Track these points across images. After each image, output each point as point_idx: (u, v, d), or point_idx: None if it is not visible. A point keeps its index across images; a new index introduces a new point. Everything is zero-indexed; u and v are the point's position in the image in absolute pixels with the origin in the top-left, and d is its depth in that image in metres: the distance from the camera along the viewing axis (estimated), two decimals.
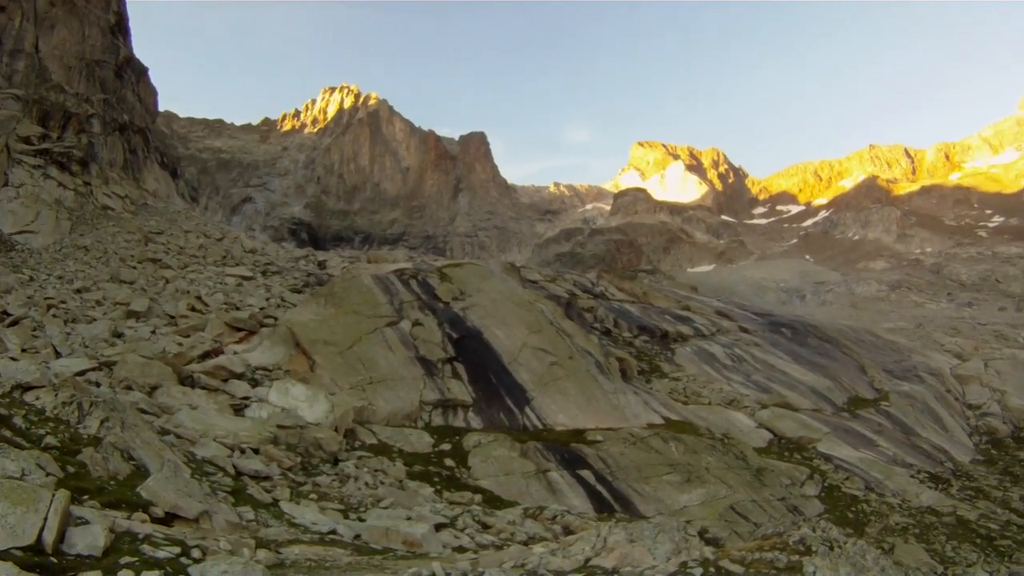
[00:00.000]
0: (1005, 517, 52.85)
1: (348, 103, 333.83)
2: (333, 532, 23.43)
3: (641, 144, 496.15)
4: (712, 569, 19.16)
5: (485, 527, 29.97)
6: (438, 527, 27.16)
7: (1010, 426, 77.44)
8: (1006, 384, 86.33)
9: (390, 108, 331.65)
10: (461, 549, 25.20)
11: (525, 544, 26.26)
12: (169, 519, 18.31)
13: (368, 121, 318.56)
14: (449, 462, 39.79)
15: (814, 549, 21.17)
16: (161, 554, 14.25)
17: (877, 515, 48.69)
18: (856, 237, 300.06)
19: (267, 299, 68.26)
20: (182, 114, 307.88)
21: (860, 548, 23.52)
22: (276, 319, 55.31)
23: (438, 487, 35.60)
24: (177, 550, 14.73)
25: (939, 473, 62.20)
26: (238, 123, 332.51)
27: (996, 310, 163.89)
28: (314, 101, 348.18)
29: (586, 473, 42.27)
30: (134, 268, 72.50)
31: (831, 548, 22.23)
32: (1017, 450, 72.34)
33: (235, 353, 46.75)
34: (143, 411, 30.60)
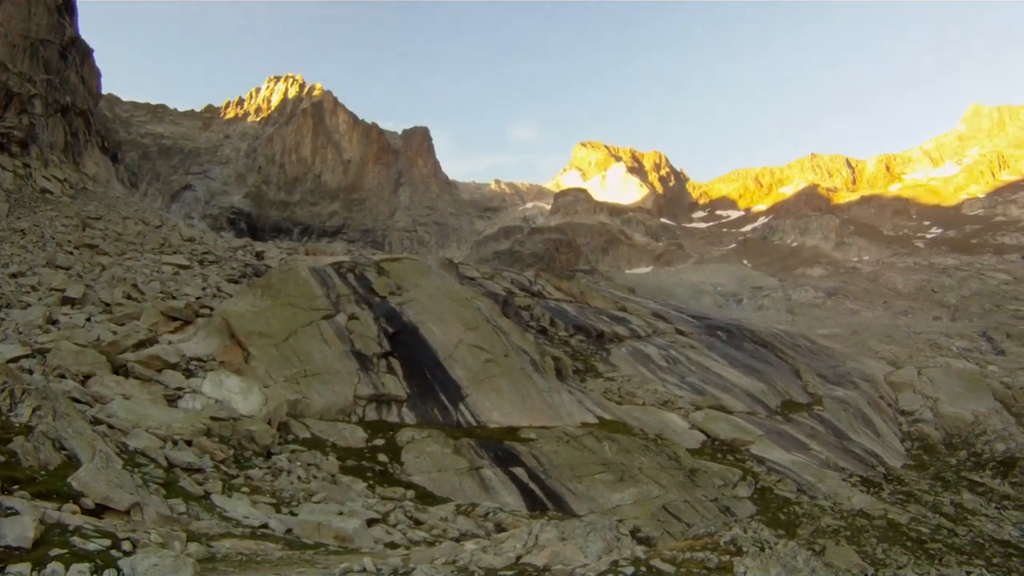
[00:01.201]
0: (936, 521, 53.61)
1: (292, 93, 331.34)
2: (265, 526, 23.34)
3: (584, 144, 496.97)
4: (643, 568, 19.31)
5: (417, 523, 29.96)
6: (370, 522, 27.13)
7: (942, 433, 78.46)
8: (939, 392, 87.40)
9: (334, 99, 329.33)
10: (393, 545, 25.19)
11: (457, 541, 26.28)
12: (100, 511, 18.18)
13: (312, 112, 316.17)
14: (382, 457, 39.67)
15: (745, 550, 21.37)
16: (91, 546, 14.17)
17: (809, 517, 49.19)
18: (794, 244, 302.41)
19: (204, 289, 67.75)
20: (125, 97, 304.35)
21: (791, 549, 23.75)
22: (212, 309, 54.76)
23: (371, 482, 35.50)
24: (108, 542, 14.64)
25: (871, 477, 62.96)
26: (181, 109, 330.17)
27: (931, 319, 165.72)
28: (258, 90, 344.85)
29: (519, 471, 42.32)
30: (71, 254, 71.71)
31: (762, 549, 22.42)
32: (948, 456, 73.35)
33: (170, 343, 46.34)
34: (76, 400, 30.33)
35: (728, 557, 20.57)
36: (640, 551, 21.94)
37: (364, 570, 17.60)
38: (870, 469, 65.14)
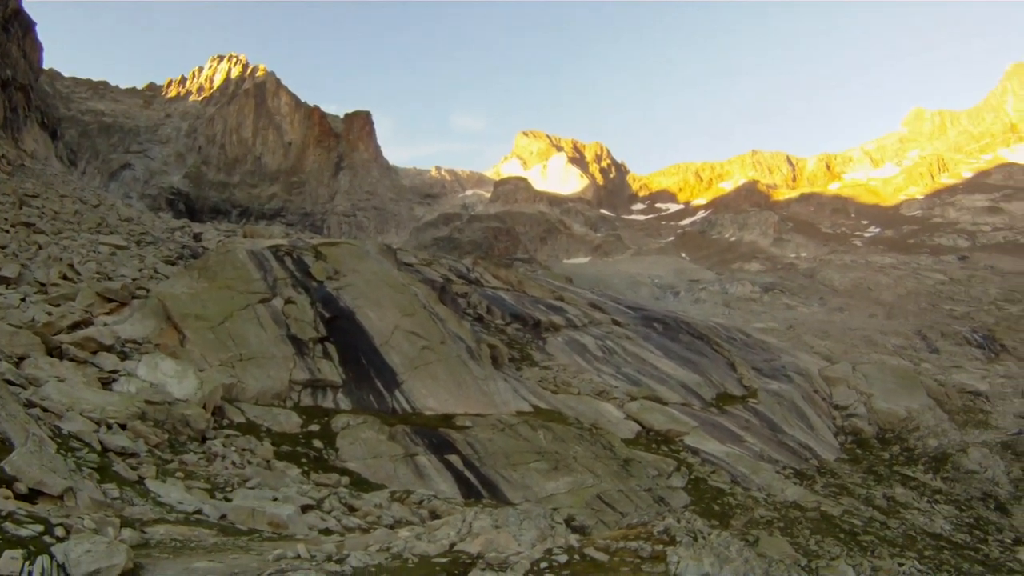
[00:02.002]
0: (868, 514, 54.33)
1: (235, 73, 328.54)
2: (199, 512, 23.24)
3: (526, 134, 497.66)
4: (577, 557, 19.49)
5: (352, 510, 29.95)
6: (304, 509, 27.10)
7: (875, 427, 79.36)
8: (873, 388, 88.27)
9: (277, 81, 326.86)
10: (327, 531, 25.18)
11: (391, 528, 26.34)
12: (33, 495, 18.04)
13: (254, 92, 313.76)
14: (317, 443, 39.53)
15: (678, 539, 21.57)
16: (24, 532, 14.07)
17: (742, 508, 49.63)
18: (733, 238, 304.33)
19: (140, 270, 67.15)
20: (66, 73, 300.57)
21: (724, 539, 23.98)
22: (148, 291, 54.25)
23: (305, 468, 35.35)
24: (40, 528, 14.54)
25: (804, 470, 63.62)
26: (123, 86, 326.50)
27: (867, 316, 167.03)
28: (201, 69, 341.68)
29: (454, 458, 42.40)
30: (7, 232, 70.72)
31: (695, 539, 22.64)
32: (881, 450, 74.23)
33: (105, 324, 45.86)
34: (9, 382, 29.96)
35: (661, 547, 20.74)
36: (574, 540, 22.06)
37: (298, 556, 17.64)
38: (804, 462, 65.78)
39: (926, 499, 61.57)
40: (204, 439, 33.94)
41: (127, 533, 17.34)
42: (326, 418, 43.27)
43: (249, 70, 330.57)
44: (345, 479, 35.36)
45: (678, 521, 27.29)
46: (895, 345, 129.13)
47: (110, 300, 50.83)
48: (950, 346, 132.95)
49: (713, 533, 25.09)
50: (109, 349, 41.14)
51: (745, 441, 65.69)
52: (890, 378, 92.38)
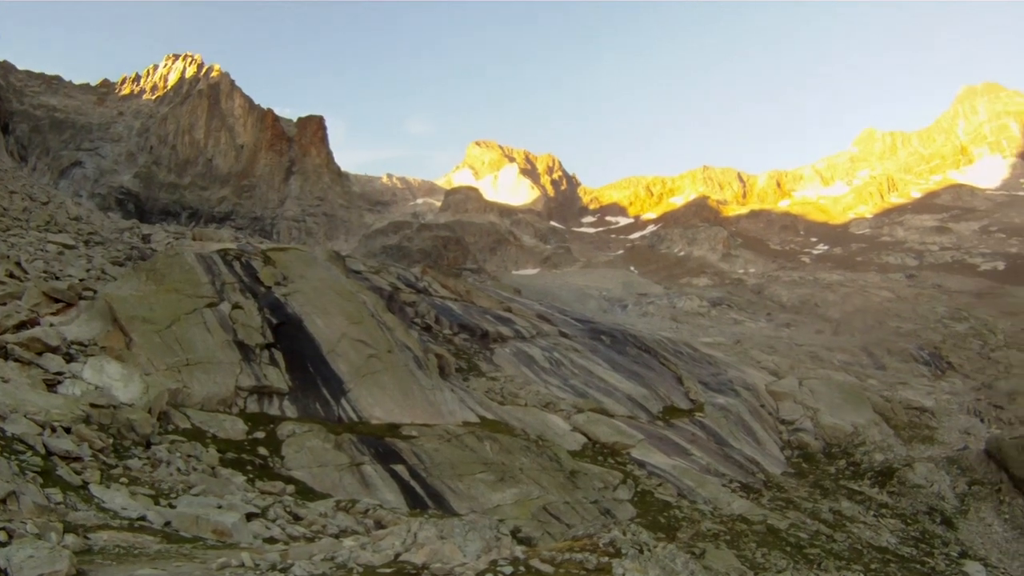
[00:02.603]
0: (814, 527, 54.73)
1: (190, 73, 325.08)
2: (143, 518, 23.12)
3: (478, 143, 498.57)
4: (522, 568, 19.55)
5: (296, 518, 29.85)
6: (249, 517, 26.98)
7: (821, 442, 79.89)
8: (819, 403, 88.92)
9: (232, 82, 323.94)
10: (272, 540, 25.11)
11: (336, 537, 26.33)
12: None
13: (208, 93, 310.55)
14: (263, 451, 39.33)
15: (624, 551, 21.69)
16: None
17: (689, 521, 49.84)
18: (682, 253, 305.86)
19: (88, 270, 66.58)
20: (20, 66, 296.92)
21: (670, 552, 24.11)
22: (96, 292, 53.84)
23: (251, 476, 35.15)
24: None
25: (751, 483, 63.93)
26: (77, 82, 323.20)
27: (813, 332, 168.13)
28: (156, 67, 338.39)
29: (400, 468, 42.36)
30: None
31: (641, 551, 22.77)
32: (828, 465, 74.74)
33: (51, 325, 45.48)
34: None
35: (607, 558, 20.87)
36: (519, 551, 22.16)
37: (242, 565, 17.60)
38: (750, 476, 66.09)
39: (872, 513, 62.09)
40: (149, 444, 33.67)
41: (70, 539, 17.25)
42: (272, 425, 43.09)
43: (204, 70, 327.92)
44: (290, 487, 35.17)
45: (624, 533, 27.39)
46: (842, 361, 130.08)
47: (57, 300, 50.37)
48: (896, 363, 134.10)
49: (659, 546, 25.19)
50: (55, 350, 40.77)
51: (692, 454, 65.90)
52: (836, 393, 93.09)
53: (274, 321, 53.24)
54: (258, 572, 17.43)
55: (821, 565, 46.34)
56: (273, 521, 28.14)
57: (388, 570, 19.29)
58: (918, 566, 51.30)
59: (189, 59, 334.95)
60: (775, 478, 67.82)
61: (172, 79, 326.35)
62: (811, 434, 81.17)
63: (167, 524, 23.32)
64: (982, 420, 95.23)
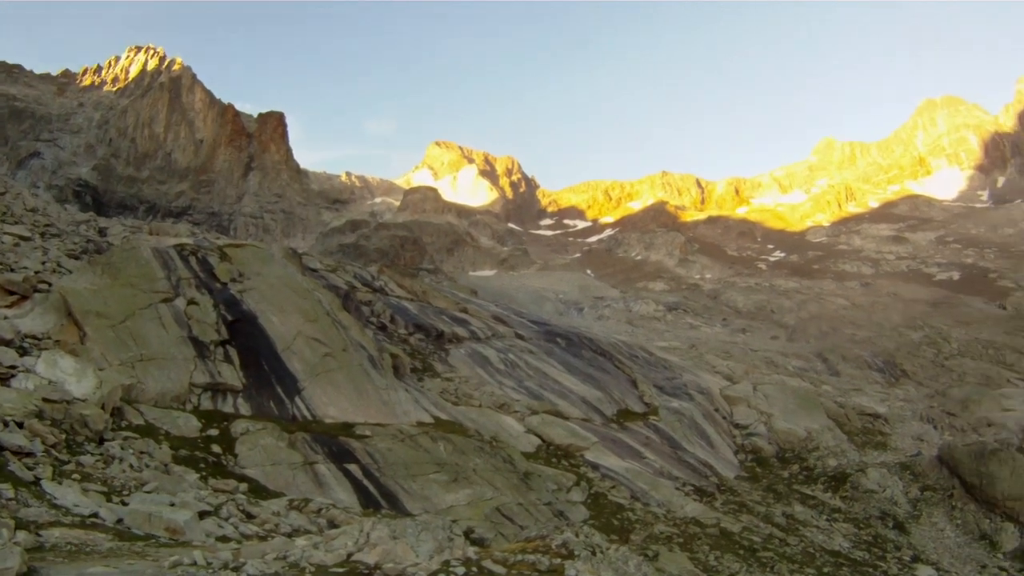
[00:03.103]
0: (767, 531, 55.13)
1: (152, 65, 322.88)
2: (95, 515, 23.01)
3: (438, 144, 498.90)
4: (475, 569, 19.67)
5: (249, 517, 29.76)
6: (202, 515, 26.88)
7: (775, 447, 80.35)
8: (773, 408, 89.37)
9: (193, 76, 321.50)
10: (224, 538, 25.02)
11: (289, 536, 26.28)
12: None
13: (169, 86, 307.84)
14: (216, 448, 39.18)
15: (577, 553, 21.86)
16: None
17: (642, 524, 50.05)
18: (639, 257, 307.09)
19: (43, 263, 65.96)
20: None
21: (623, 554, 24.28)
22: (51, 285, 53.48)
23: (204, 473, 35.02)
24: None
25: (704, 487, 64.23)
26: (38, 71, 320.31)
27: (768, 338, 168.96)
28: (117, 58, 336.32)
29: (353, 467, 42.32)
30: None
31: (593, 553, 22.95)
32: (781, 469, 75.20)
33: (5, 318, 45.19)
34: None
35: (560, 560, 21.02)
36: (472, 552, 22.27)
37: (194, 563, 17.59)
38: (703, 479, 66.40)
39: (825, 517, 62.56)
40: (102, 440, 33.47)
41: (21, 535, 17.18)
42: (225, 423, 42.91)
43: (166, 63, 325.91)
44: (243, 486, 35.03)
45: (577, 535, 27.56)
46: (796, 367, 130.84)
47: (11, 292, 49.97)
48: (851, 369, 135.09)
49: (612, 548, 25.37)
50: (8, 343, 40.46)
51: (645, 457, 66.12)
52: (790, 399, 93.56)
53: (229, 318, 52.96)
54: (210, 571, 17.42)
55: (774, 568, 46.67)
56: (226, 519, 28.03)
57: (341, 570, 19.33)
58: (871, 570, 51.77)
59: (151, 52, 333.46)
60: (728, 482, 68.15)
61: (133, 71, 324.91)
62: (765, 439, 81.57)
63: (119, 521, 23.21)
64: (935, 427, 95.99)
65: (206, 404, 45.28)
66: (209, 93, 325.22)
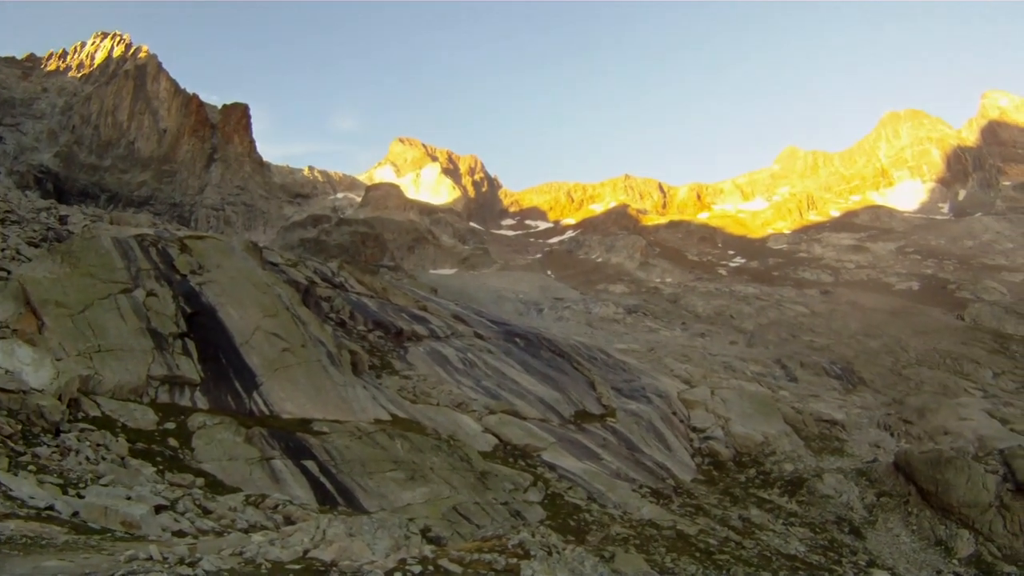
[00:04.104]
0: (724, 534, 55.26)
1: (117, 52, 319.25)
2: (51, 508, 22.91)
3: (401, 141, 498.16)
4: (431, 568, 19.70)
5: (206, 512, 29.65)
6: (158, 509, 26.76)
7: (732, 450, 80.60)
8: (730, 412, 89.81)
9: (159, 64, 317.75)
10: (180, 533, 24.94)
11: (245, 532, 26.24)
12: None
13: (134, 74, 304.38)
14: (173, 442, 38.96)
15: (533, 553, 21.89)
16: None
17: (598, 525, 50.09)
18: (599, 259, 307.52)
19: (3, 250, 65.36)
20: None
21: (579, 555, 24.32)
22: (9, 273, 53.09)
23: (160, 467, 34.80)
24: None
25: (661, 489, 64.39)
26: (2, 54, 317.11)
27: (727, 343, 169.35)
28: (83, 44, 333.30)
29: (311, 464, 42.22)
30: None
31: (549, 553, 22.98)
32: (738, 473, 75.49)
33: None
34: None
35: (516, 560, 21.06)
36: (428, 550, 22.29)
37: (150, 558, 17.52)
38: (660, 481, 66.57)
39: (781, 521, 62.79)
40: (58, 432, 33.30)
41: None
42: (183, 416, 42.71)
43: (132, 51, 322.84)
44: (200, 480, 34.92)
45: (533, 535, 27.63)
46: (754, 372, 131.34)
47: None
48: (809, 376, 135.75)
49: (568, 548, 25.42)
50: None
51: (602, 459, 66.22)
52: (748, 403, 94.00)
53: (188, 310, 52.78)
54: (166, 566, 17.36)
55: (730, 571, 46.78)
56: (182, 514, 27.93)
57: (297, 566, 19.33)
58: (827, 574, 52.01)
59: (117, 38, 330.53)
60: (685, 485, 68.37)
61: (99, 57, 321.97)
62: (722, 442, 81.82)
63: (75, 514, 23.11)
64: (892, 434, 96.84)
65: (163, 397, 45.05)
66: (174, 82, 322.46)
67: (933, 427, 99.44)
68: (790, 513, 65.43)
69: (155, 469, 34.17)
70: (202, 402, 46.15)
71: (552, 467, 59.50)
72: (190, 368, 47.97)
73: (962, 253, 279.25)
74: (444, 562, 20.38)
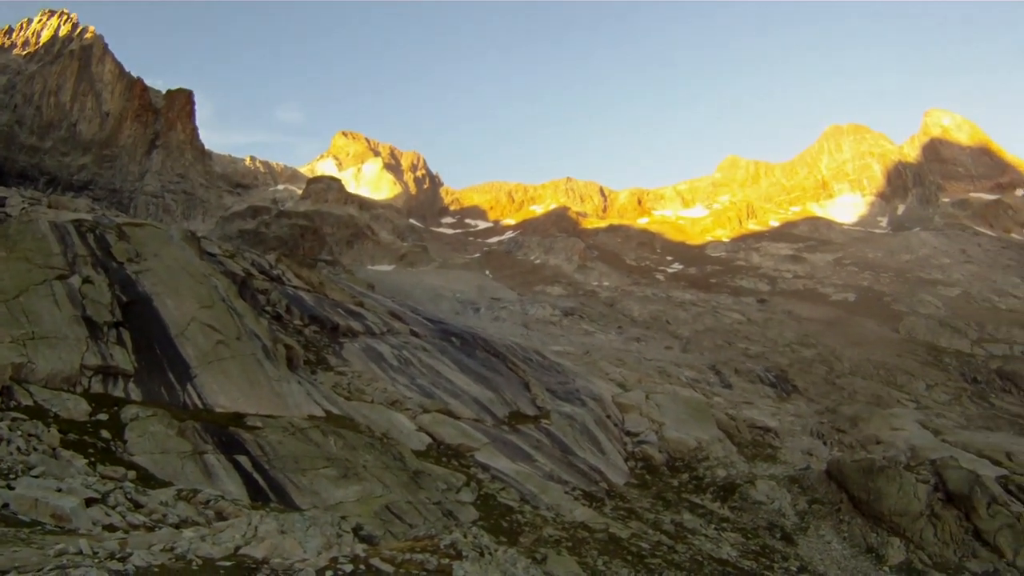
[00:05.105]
0: (656, 538, 55.53)
1: (64, 31, 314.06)
2: None
3: (344, 134, 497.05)
4: (363, 567, 19.75)
5: (137, 506, 29.41)
6: (89, 502, 26.52)
7: (665, 455, 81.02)
8: (664, 416, 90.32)
9: (105, 46, 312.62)
10: (111, 527, 24.74)
11: (176, 527, 26.05)
12: None
13: (80, 55, 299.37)
14: (105, 433, 38.56)
15: (465, 554, 22.04)
16: None
17: (531, 526, 50.21)
18: (538, 261, 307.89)
19: None
20: None
21: (511, 556, 24.49)
22: None
23: (92, 459, 34.43)
24: None
25: (594, 492, 64.62)
26: None
27: (663, 348, 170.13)
28: (29, 21, 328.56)
29: (243, 459, 42.00)
30: None
31: (482, 554, 23.14)
32: (671, 478, 75.89)
33: None
34: None
35: (448, 560, 21.19)
36: (360, 549, 22.35)
37: (80, 553, 17.47)
38: (593, 484, 66.78)
39: (713, 526, 63.18)
40: None
41: None
42: (116, 408, 42.29)
43: (78, 30, 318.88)
44: (132, 473, 34.61)
45: (465, 536, 27.77)
46: (689, 378, 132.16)
47: None
48: (743, 383, 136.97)
49: (500, 549, 25.60)
50: None
51: (536, 460, 66.37)
52: (682, 408, 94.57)
53: (124, 299, 52.17)
54: (96, 560, 17.31)
55: (662, 575, 47.16)
56: (113, 508, 27.69)
57: (228, 563, 19.31)
58: None
59: (64, 17, 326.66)
60: (618, 488, 68.65)
61: (45, 36, 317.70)
62: (655, 447, 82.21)
63: (5, 506, 22.91)
64: (824, 442, 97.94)
65: (97, 387, 44.55)
66: (119, 65, 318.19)
67: (866, 436, 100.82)
68: (722, 518, 65.89)
69: (87, 461, 33.81)
70: (136, 393, 45.68)
71: (486, 468, 59.60)
72: (124, 358, 47.49)
73: (899, 267, 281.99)
74: (376, 561, 20.43)
